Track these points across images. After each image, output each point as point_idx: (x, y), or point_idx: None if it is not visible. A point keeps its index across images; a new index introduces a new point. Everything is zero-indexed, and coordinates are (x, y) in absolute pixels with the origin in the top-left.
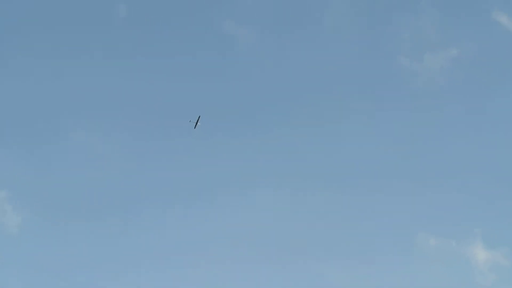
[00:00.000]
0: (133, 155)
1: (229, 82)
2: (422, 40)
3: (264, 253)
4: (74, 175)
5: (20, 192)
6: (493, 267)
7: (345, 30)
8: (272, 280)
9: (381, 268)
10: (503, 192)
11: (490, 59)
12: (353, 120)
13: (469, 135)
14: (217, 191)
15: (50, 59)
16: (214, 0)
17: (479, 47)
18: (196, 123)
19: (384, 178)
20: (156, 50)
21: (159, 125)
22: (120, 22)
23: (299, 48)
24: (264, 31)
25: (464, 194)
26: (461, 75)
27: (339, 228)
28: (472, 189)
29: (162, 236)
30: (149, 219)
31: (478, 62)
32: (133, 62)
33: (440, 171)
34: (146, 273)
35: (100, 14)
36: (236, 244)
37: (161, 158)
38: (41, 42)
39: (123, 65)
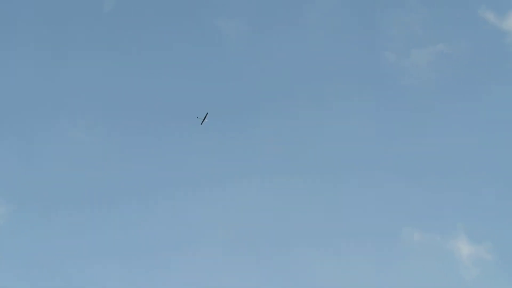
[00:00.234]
0: (121, 149)
1: (218, 77)
2: (409, 36)
3: (251, 245)
4: (61, 167)
5: (6, 184)
6: (477, 261)
7: (333, 25)
8: (258, 271)
9: (365, 261)
10: (487, 187)
11: (477, 55)
12: (340, 115)
13: (455, 131)
14: (205, 185)
15: (39, 54)
16: None
17: (466, 43)
18: (203, 120)
19: (369, 173)
20: (144, 45)
21: (148, 120)
22: (106, 16)
23: (286, 43)
24: (252, 26)
25: (448, 188)
26: (448, 71)
27: (325, 222)
28: (456, 184)
29: (150, 229)
30: (137, 213)
31: (465, 58)
32: (121, 58)
33: (425, 166)
34: (134, 267)
35: (87, 8)
36: (224, 237)
37: (149, 153)
38: (28, 37)
39: (110, 60)
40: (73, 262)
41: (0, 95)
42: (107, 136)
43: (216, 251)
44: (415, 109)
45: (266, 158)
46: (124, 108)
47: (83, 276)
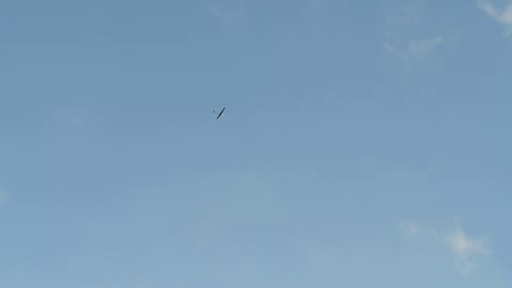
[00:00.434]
0: (118, 136)
1: (215, 65)
2: (408, 28)
3: (249, 233)
4: (59, 154)
5: (4, 171)
6: (473, 256)
7: (331, 16)
8: (256, 257)
9: (362, 254)
10: (486, 182)
11: (475, 48)
12: (338, 104)
13: (453, 123)
14: (201, 172)
15: (39, 42)
16: None
17: (465, 36)
18: (220, 114)
19: (367, 165)
20: (143, 34)
21: (145, 107)
22: (105, 5)
23: (284, 33)
24: (249, 15)
25: (446, 182)
26: (446, 63)
27: (322, 214)
28: (455, 178)
29: (144, 215)
30: (130, 198)
31: (463, 51)
32: (119, 46)
33: (423, 159)
34: (130, 254)
35: None
36: (221, 223)
37: (146, 140)
38: (28, 25)
39: (108, 49)
40: (71, 249)
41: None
42: (105, 123)
43: (210, 235)
44: (412, 100)
45: (262, 147)
46: (122, 96)
47: (81, 263)
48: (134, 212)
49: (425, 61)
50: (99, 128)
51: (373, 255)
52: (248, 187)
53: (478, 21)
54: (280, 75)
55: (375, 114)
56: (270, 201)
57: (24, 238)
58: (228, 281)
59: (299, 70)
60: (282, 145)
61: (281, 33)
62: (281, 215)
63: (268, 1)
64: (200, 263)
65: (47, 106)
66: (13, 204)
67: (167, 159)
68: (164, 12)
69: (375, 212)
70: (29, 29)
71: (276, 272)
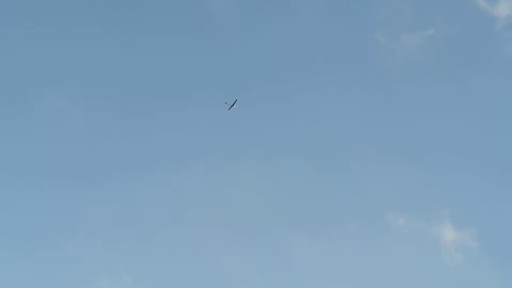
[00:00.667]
0: (105, 120)
1: (209, 56)
2: (400, 20)
3: (234, 223)
4: (46, 137)
5: None
6: (460, 247)
7: (323, 7)
8: (244, 247)
9: (349, 244)
10: (474, 173)
11: (467, 41)
12: (329, 96)
13: (442, 115)
14: (190, 161)
15: (26, 26)
16: None
17: (456, 28)
18: (232, 106)
19: (356, 155)
20: (133, 20)
21: (132, 92)
22: None
23: (276, 25)
24: (242, 6)
25: (435, 173)
26: (438, 55)
27: (311, 205)
28: (443, 169)
29: (133, 204)
30: (119, 187)
31: (454, 44)
32: (108, 31)
33: (412, 150)
34: (111, 241)
35: None
36: (209, 213)
37: (131, 129)
38: (15, 10)
39: (97, 34)
40: (57, 234)
41: None
42: (92, 106)
43: (197, 225)
44: (403, 92)
45: (252, 135)
46: (109, 81)
47: (65, 252)
48: (118, 200)
49: (417, 53)
50: (86, 111)
51: (361, 246)
52: (235, 177)
53: (470, 13)
54: (270, 67)
55: (365, 106)
56: (257, 192)
57: (9, 220)
58: (214, 272)
59: (290, 62)
60: (271, 137)
61: (272, 25)
62: (268, 206)
63: None
64: (186, 254)
65: (35, 90)
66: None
67: (156, 147)
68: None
69: (364, 204)
70: (17, 15)
71: (262, 263)
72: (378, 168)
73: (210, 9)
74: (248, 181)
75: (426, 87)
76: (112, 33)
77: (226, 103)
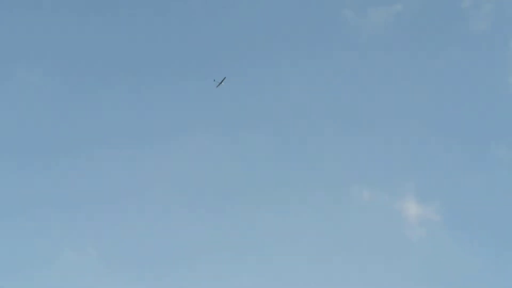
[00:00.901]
0: (76, 96)
1: (175, 29)
2: None
3: (199, 197)
4: (17, 112)
5: None
6: (423, 222)
7: None
8: (209, 220)
9: (313, 216)
10: (438, 148)
11: (434, 16)
12: (294, 70)
13: (408, 90)
14: (154, 136)
15: None
16: None
17: (423, 4)
18: (220, 83)
19: (321, 128)
20: None
21: (105, 68)
22: None
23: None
24: None
25: (400, 147)
26: (404, 30)
27: (274, 176)
28: (408, 143)
29: (99, 178)
30: (88, 161)
31: (421, 19)
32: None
33: (378, 124)
34: (75, 216)
35: None
36: (173, 188)
37: (100, 103)
38: None
39: (71, 8)
40: (20, 206)
41: None
42: (64, 82)
43: (161, 200)
44: (369, 67)
45: (215, 108)
46: (82, 57)
47: (31, 220)
48: (85, 174)
49: (384, 29)
50: (57, 87)
51: (324, 219)
52: (198, 151)
53: None
54: (236, 43)
55: (331, 79)
56: (221, 164)
57: None
58: (178, 245)
59: (256, 37)
60: (235, 111)
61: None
62: (232, 178)
63: None
64: (151, 228)
65: (4, 64)
66: None
67: (122, 122)
68: None
69: (328, 176)
70: None
71: (225, 236)
72: (343, 142)
73: None
74: (212, 154)
75: (392, 62)
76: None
77: (214, 80)
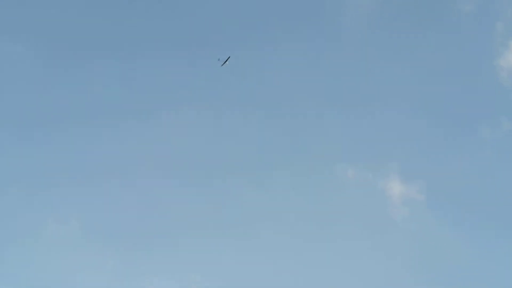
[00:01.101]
0: (59, 67)
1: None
2: None
3: (184, 172)
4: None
5: None
6: (407, 201)
7: None
8: (194, 197)
9: (297, 194)
10: (423, 127)
11: None
12: (278, 48)
13: (393, 69)
14: (139, 111)
15: None
16: None
17: None
18: (224, 63)
19: (306, 107)
20: None
21: (88, 41)
22: None
23: None
24: None
25: (384, 126)
26: (391, 10)
27: (259, 155)
28: (393, 122)
29: (83, 152)
30: (71, 135)
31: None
32: None
33: (362, 103)
34: (61, 190)
35: None
36: (158, 163)
37: (85, 77)
38: None
39: None
40: (3, 179)
41: None
42: (49, 55)
43: (148, 176)
44: (354, 44)
45: (201, 85)
46: (69, 29)
47: (14, 193)
48: (69, 148)
49: (369, 9)
50: (41, 57)
51: (308, 197)
52: (184, 126)
53: None
54: (222, 24)
55: (315, 60)
56: (205, 142)
57: None
58: (162, 220)
59: (238, 15)
60: (221, 91)
61: None
62: (216, 155)
63: None
64: (134, 203)
65: None
66: None
67: (106, 96)
68: None
69: (312, 155)
70: None
71: (208, 212)
72: (328, 120)
73: None
74: (198, 131)
75: (377, 40)
76: None
77: (219, 59)
